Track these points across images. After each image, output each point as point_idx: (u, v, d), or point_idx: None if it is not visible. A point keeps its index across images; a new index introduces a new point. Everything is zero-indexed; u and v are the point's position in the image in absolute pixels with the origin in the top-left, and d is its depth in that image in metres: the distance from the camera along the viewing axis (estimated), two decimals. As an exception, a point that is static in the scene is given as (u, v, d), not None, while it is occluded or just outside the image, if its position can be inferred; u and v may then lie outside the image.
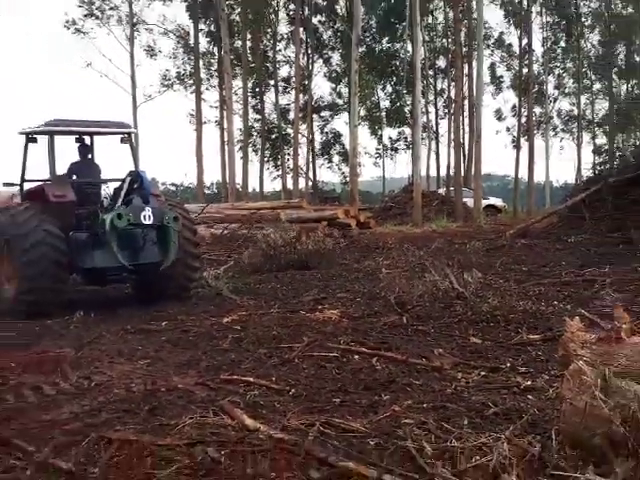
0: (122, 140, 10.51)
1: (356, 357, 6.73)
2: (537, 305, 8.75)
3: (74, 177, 10.45)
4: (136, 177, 9.61)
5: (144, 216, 9.06)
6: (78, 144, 10.94)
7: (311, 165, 40.84)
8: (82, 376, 6.24)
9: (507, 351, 6.78)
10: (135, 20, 32.00)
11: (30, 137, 10.19)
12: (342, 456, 4.13)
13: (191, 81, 33.37)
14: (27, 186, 10.66)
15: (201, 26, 34.05)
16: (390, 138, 46.42)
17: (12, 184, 10.43)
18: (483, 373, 6.00)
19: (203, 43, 34.84)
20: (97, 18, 31.62)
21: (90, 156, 11.05)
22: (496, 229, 23.31)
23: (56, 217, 9.11)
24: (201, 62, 34.26)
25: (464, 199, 31.14)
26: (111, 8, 32.00)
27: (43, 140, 10.14)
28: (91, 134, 11.08)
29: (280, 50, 39.12)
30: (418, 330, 7.80)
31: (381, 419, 4.86)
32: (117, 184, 10.24)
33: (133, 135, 10.74)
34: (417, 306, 8.80)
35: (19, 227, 8.94)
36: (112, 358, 6.98)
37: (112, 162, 11.79)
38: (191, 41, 32.97)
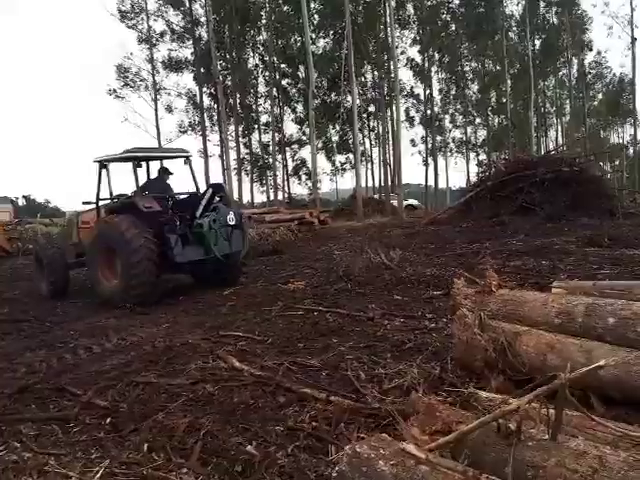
0: (185, 162, 9.48)
1: (315, 314, 6.57)
2: (440, 271, 8.66)
3: (146, 192, 9.07)
4: (219, 188, 9.07)
5: (229, 218, 8.54)
6: (159, 167, 9.91)
7: (286, 183, 40.55)
8: (120, 338, 6.02)
9: (419, 304, 6.68)
10: (158, 87, 31.60)
11: (103, 164, 9.04)
12: (302, 385, 3.99)
13: (199, 128, 32.82)
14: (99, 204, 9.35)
15: (205, 89, 33.54)
16: (340, 162, 46.26)
17: (90, 202, 9.30)
18: (402, 320, 5.90)
19: (206, 101, 34.40)
20: (131, 87, 31.13)
21: (162, 175, 9.78)
22: (413, 221, 23.25)
23: (147, 224, 8.16)
24: (206, 114, 33.77)
25: (391, 201, 31.11)
26: (141, 80, 31.55)
27: (113, 166, 9.21)
28: (161, 158, 10.27)
29: (260, 104, 38.49)
30: (358, 293, 7.66)
31: (331, 357, 4.73)
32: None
33: (191, 158, 9.76)
34: (358, 276, 8.63)
35: (122, 234, 7.94)
36: (143, 324, 6.75)
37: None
38: (198, 100, 32.49)
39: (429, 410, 2.76)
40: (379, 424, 3.16)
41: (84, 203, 9.50)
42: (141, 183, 9.01)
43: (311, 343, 5.27)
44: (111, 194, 9.26)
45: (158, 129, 30.30)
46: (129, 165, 8.79)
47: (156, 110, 30.94)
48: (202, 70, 32.02)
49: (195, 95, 32.98)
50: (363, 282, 8.29)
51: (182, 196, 9.51)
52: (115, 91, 31.17)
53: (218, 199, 8.83)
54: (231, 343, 5.43)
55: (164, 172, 9.88)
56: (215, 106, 35.51)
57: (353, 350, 4.86)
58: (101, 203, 9.29)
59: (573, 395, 2.21)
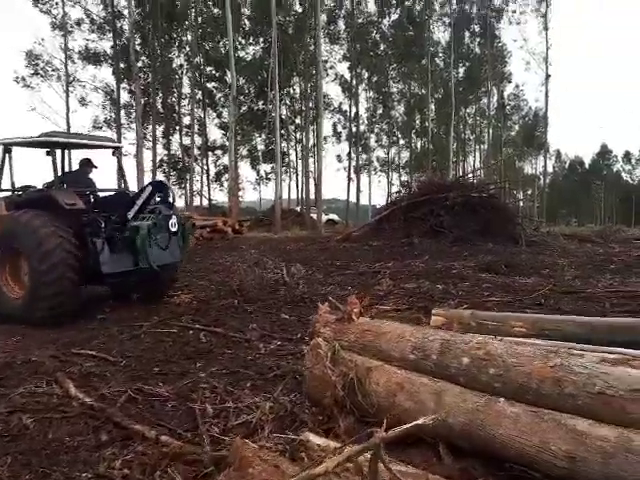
0: (113, 154, 8.17)
1: (190, 332, 6.10)
2: (336, 289, 8.43)
3: (64, 186, 7.63)
4: (160, 187, 7.52)
5: (171, 224, 7.25)
6: (81, 158, 8.34)
7: (207, 188, 39.56)
8: (-42, 352, 5.25)
9: (304, 325, 6.31)
10: (71, 78, 29.88)
11: (8, 148, 7.47)
12: (135, 420, 3.52)
13: (115, 125, 31.35)
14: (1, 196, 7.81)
15: (124, 85, 32.18)
16: (265, 171, 45.72)
17: None
18: (279, 343, 5.54)
19: (126, 98, 32.93)
20: (42, 76, 29.21)
21: (84, 168, 8.24)
22: (330, 236, 23.14)
23: (67, 224, 6.67)
24: (123, 111, 32.34)
25: (312, 214, 30.97)
26: (53, 70, 29.72)
27: (19, 152, 7.70)
28: (85, 147, 8.59)
29: (184, 105, 37.38)
30: (245, 310, 7.25)
31: (185, 385, 4.27)
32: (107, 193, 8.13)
33: (122, 149, 8.38)
34: (250, 291, 8.21)
35: (33, 233, 6.44)
36: (-8, 336, 5.97)
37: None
38: (115, 95, 31.05)
39: (242, 464, 2.39)
40: (199, 474, 2.75)
41: None
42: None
43: (170, 367, 4.79)
44: (13, 185, 7.79)
45: (68, 122, 28.64)
46: (39, 153, 7.43)
47: (67, 102, 29.26)
48: (121, 65, 30.66)
49: (113, 90, 31.45)
50: (254, 298, 7.89)
51: (106, 193, 8.20)
52: (24, 79, 29.23)
53: (158, 199, 7.44)
54: (80, 364, 4.85)
55: (86, 164, 8.30)
56: (133, 103, 34.14)
57: (213, 377, 4.43)
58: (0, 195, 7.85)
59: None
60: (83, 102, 31.08)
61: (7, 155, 7.49)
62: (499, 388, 2.86)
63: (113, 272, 6.96)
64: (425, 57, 43.97)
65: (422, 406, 2.92)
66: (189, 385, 4.25)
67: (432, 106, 50.19)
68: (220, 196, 44.62)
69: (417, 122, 52.10)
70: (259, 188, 47.93)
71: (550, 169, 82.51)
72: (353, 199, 45.74)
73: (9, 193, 7.78)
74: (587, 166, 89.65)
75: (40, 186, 7.85)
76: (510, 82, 55.08)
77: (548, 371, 2.76)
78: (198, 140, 36.97)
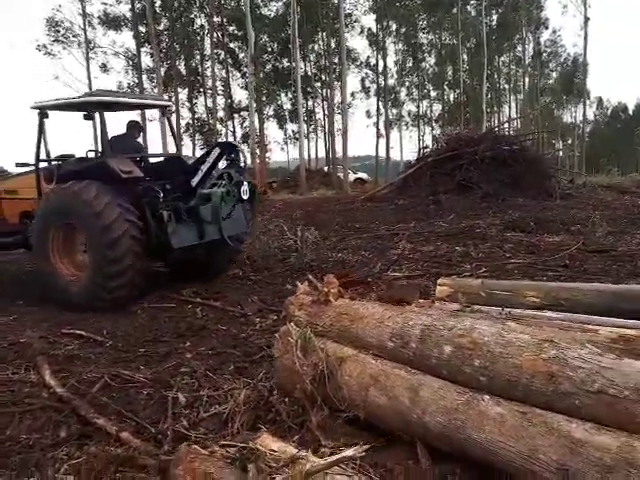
0: (162, 114, 7.32)
1: (189, 306, 5.87)
2: (348, 255, 8.06)
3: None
4: (230, 150, 6.38)
5: (243, 191, 6.27)
6: (128, 121, 7.37)
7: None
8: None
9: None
10: (92, 45, 29.61)
11: (44, 112, 6.61)
12: (100, 412, 3.28)
13: (138, 90, 31.05)
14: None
15: (145, 49, 31.66)
16: (292, 130, 44.90)
17: (26, 164, 6.95)
18: (275, 317, 5.22)
19: (148, 62, 32.44)
20: (62, 42, 28.99)
21: (131, 131, 7.37)
22: (357, 195, 22.58)
23: (123, 194, 5.88)
24: (146, 76, 31.94)
25: (339, 174, 30.35)
26: (74, 36, 29.42)
27: (55, 116, 6.82)
28: (134, 107, 7.75)
29: (207, 67, 36.60)
30: (250, 280, 6.98)
31: (166, 368, 4.03)
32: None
33: (171, 109, 7.39)
34: (258, 260, 7.92)
35: (88, 206, 5.63)
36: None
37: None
38: (136, 60, 30.65)
39: (184, 475, 2.11)
40: (144, 483, 2.49)
41: (18, 165, 7.13)
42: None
43: (157, 347, 4.56)
44: (48, 155, 7.05)
45: (91, 89, 28.41)
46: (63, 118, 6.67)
47: (88, 69, 29.04)
48: (141, 29, 30.12)
49: (135, 55, 31.04)
50: (261, 267, 7.62)
51: (157, 159, 7.27)
52: (45, 47, 29.05)
53: (227, 163, 6.41)
54: (66, 345, 4.66)
55: (134, 127, 7.46)
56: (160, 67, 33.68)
57: (197, 359, 4.18)
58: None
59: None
60: (104, 68, 30.85)
61: (45, 120, 6.67)
62: (484, 382, 2.48)
63: (182, 246, 6.20)
64: (455, 5, 41.87)
65: (396, 402, 2.56)
66: (170, 369, 4.00)
67: (464, 56, 48.19)
68: (248, 158, 44.37)
69: (449, 73, 50.16)
70: (286, 148, 47.25)
71: (591, 117, 78.88)
72: (384, 155, 44.83)
73: (45, 164, 6.95)
74: (631, 112, 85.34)
75: (79, 154, 7.13)
76: (547, 28, 52.20)
77: (541, 364, 2.35)
78: (223, 102, 36.45)
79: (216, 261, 7.09)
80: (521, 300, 4.55)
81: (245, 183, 6.38)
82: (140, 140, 7.51)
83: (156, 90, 28.19)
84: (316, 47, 41.15)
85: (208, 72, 36.98)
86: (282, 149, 47.53)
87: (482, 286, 4.77)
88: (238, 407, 3.17)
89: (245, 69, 39.94)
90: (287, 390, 3.01)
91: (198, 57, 36.00)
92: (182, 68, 34.81)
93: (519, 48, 52.33)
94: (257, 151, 25.44)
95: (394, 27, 46.41)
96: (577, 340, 3.49)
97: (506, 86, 57.23)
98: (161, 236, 5.98)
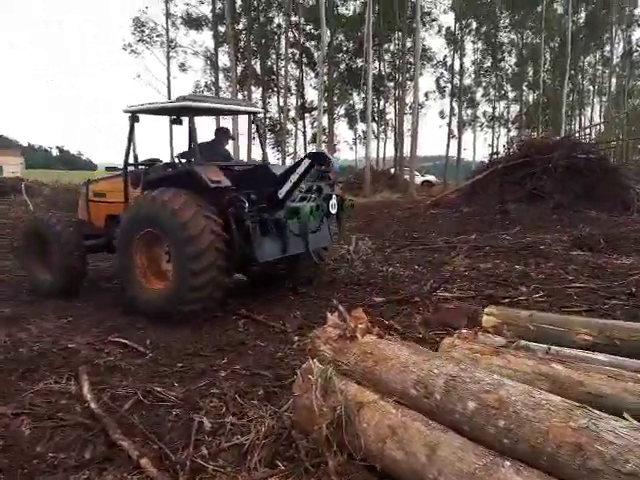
0: (252, 121, 7.17)
1: (233, 318, 5.90)
2: (399, 270, 7.87)
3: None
4: (321, 159, 6.03)
5: (332, 205, 6.11)
6: (217, 127, 7.42)
7: (303, 150, 39.52)
8: (7, 333, 5.40)
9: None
10: (173, 44, 30.70)
11: (135, 116, 6.52)
12: (127, 433, 3.33)
13: (214, 90, 31.88)
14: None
15: (223, 48, 32.39)
16: (362, 131, 44.69)
17: (115, 168, 6.97)
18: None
19: (225, 61, 33.19)
20: (146, 42, 30.27)
21: (220, 138, 7.28)
22: (422, 200, 22.15)
23: (210, 204, 5.70)
24: (222, 75, 32.74)
25: (405, 176, 29.90)
26: (157, 36, 30.63)
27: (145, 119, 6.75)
28: (226, 113, 7.68)
29: (282, 66, 37.05)
30: (297, 293, 6.91)
31: (198, 388, 4.04)
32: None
33: (260, 116, 7.31)
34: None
35: (174, 215, 5.49)
36: (46, 315, 6.08)
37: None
38: (214, 60, 31.50)
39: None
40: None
41: (108, 169, 7.17)
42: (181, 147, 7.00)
43: (194, 362, 4.59)
44: (136, 159, 6.97)
45: (169, 88, 29.52)
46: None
47: (168, 68, 30.10)
48: (221, 29, 30.88)
49: (213, 54, 31.89)
50: (309, 278, 7.54)
51: (243, 167, 6.94)
52: (131, 45, 30.40)
53: (317, 175, 6.12)
54: (111, 353, 4.80)
55: (224, 134, 7.28)
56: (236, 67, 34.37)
57: (230, 378, 4.18)
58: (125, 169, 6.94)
59: None
60: (183, 67, 31.91)
61: (136, 124, 6.55)
62: (507, 446, 2.30)
63: (267, 260, 6.06)
64: (540, 3, 40.18)
65: (413, 459, 2.43)
66: (202, 388, 4.01)
67: (547, 56, 46.23)
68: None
69: (529, 74, 48.28)
70: (355, 148, 47.08)
71: (684, 120, 73.75)
72: (455, 157, 43.82)
73: (132, 168, 6.90)
74: None
75: (165, 159, 7.20)
76: (639, 25, 49.14)
77: (569, 433, 2.15)
78: (295, 101, 36.78)
79: (295, 274, 7.01)
80: (572, 337, 4.26)
81: (334, 197, 6.19)
82: (229, 147, 7.43)
83: (231, 89, 28.81)
84: (391, 47, 40.72)
85: (282, 71, 37.52)
86: (351, 149, 47.56)
87: (531, 319, 4.50)
88: (259, 439, 3.13)
89: (317, 69, 40.34)
90: (305, 430, 2.93)
91: (274, 56, 36.55)
92: (257, 67, 35.41)
93: (607, 47, 49.59)
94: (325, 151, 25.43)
95: (474, 25, 45.26)
96: (628, 391, 3.25)
97: (590, 88, 54.47)
98: (246, 248, 5.81)
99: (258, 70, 35.85)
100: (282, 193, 5.97)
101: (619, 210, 14.81)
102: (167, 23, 30.59)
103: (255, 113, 7.27)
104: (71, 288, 6.85)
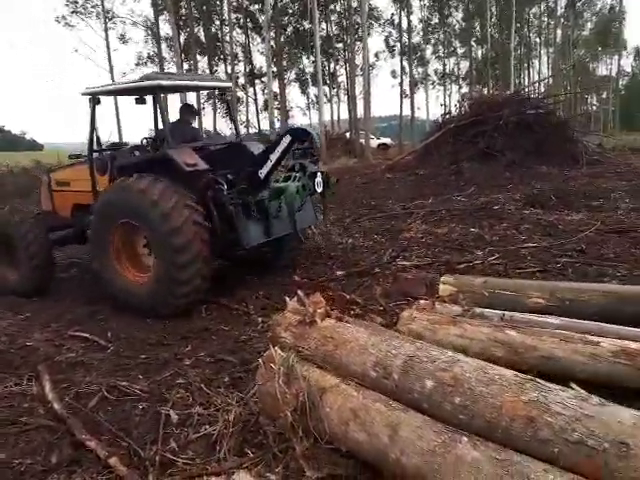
0: (220, 96, 6.90)
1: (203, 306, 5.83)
2: (358, 240, 7.95)
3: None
4: (303, 136, 5.65)
5: (317, 182, 5.74)
6: (182, 105, 6.96)
7: (257, 118, 38.93)
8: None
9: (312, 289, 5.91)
10: (111, 15, 29.34)
11: (96, 98, 6.10)
12: (94, 432, 3.33)
13: (158, 60, 30.86)
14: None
15: (164, 17, 31.18)
16: (315, 95, 44.18)
17: (79, 156, 6.63)
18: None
19: (167, 30, 32.02)
20: (81, 14, 28.84)
21: (186, 116, 6.81)
22: (379, 164, 22.22)
23: (189, 190, 5.44)
24: (165, 45, 31.68)
25: (361, 140, 29.85)
26: (92, 6, 29.19)
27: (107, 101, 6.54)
28: (195, 89, 7.30)
29: (226, 33, 36.00)
30: (261, 271, 6.86)
31: (163, 378, 4.06)
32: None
33: (230, 91, 6.76)
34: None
35: (154, 205, 5.21)
36: (3, 312, 5.93)
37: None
38: (155, 29, 30.36)
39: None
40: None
41: (72, 157, 6.77)
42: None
43: (158, 352, 4.59)
44: (99, 142, 6.52)
45: (110, 62, 28.39)
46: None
47: (107, 40, 28.87)
48: (159, -4, 29.70)
49: (154, 24, 30.71)
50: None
51: (216, 146, 6.55)
52: (65, 18, 28.95)
53: (300, 152, 5.85)
54: (72, 348, 4.75)
55: (188, 111, 6.89)
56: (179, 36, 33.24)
57: (194, 367, 4.20)
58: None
59: None
60: (123, 39, 30.69)
61: (95, 107, 6.17)
62: (464, 421, 2.41)
63: (253, 244, 5.84)
64: (483, -46, 40.09)
65: (376, 440, 2.51)
66: (167, 379, 4.03)
67: (492, 9, 46.33)
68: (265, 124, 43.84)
69: (477, 29, 48.42)
70: (309, 113, 46.59)
71: (628, 69, 75.58)
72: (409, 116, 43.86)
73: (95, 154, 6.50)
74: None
75: (131, 143, 6.81)
76: (582, -26, 49.70)
77: (521, 407, 2.27)
78: (243, 68, 35.97)
79: (280, 256, 6.82)
80: (525, 301, 4.45)
81: (319, 174, 5.82)
82: (195, 125, 7.05)
83: (175, 60, 27.93)
84: (337, 7, 40.06)
85: (228, 38, 36.53)
86: (304, 114, 46.98)
87: (485, 285, 4.66)
88: (227, 428, 3.19)
89: (263, 33, 39.44)
90: (271, 417, 2.99)
91: (217, 23, 35.48)
92: (201, 35, 34.35)
93: (551, -1, 50.03)
94: (277, 117, 25.16)
95: (419, -18, 44.89)
96: (578, 352, 3.42)
97: (537, 40, 55.08)
98: (230, 234, 5.63)
99: (202, 38, 34.80)
100: (263, 173, 5.69)
101: (569, 164, 15.21)
102: (102, -8, 29.19)
103: (225, 88, 6.95)
104: (40, 287, 6.61)
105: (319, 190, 5.78)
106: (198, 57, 33.26)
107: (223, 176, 5.73)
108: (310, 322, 3.11)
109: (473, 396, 2.40)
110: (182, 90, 6.98)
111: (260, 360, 3.07)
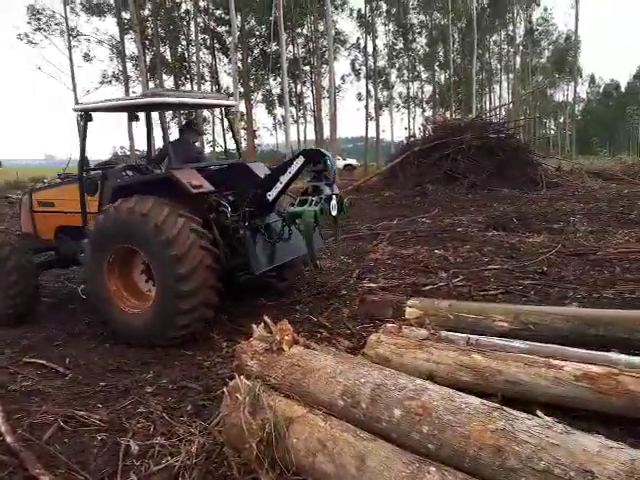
0: (226, 114, 6.58)
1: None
2: (325, 261, 7.92)
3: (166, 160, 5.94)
4: (316, 158, 5.22)
5: (332, 206, 5.24)
6: (184, 122, 6.66)
7: (223, 137, 38.81)
8: None
9: (280, 312, 5.84)
10: (75, 32, 28.96)
11: (88, 115, 5.78)
12: (48, 467, 3.17)
13: (123, 79, 30.53)
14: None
15: (130, 36, 31.01)
16: (282, 116, 44.41)
17: (68, 175, 6.35)
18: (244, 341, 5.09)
19: (132, 48, 31.81)
20: (44, 31, 28.39)
21: (188, 135, 6.59)
22: (346, 184, 22.30)
23: (194, 213, 5.13)
24: (131, 64, 31.39)
25: (327, 160, 30.02)
26: (56, 24, 28.80)
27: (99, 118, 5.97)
28: (198, 106, 7.07)
29: (193, 53, 36.00)
30: (234, 296, 6.76)
31: (123, 407, 3.91)
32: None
33: (234, 109, 6.37)
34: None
35: (156, 229, 4.87)
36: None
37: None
38: (121, 48, 30.08)
39: None
40: None
41: (61, 176, 6.44)
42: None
43: (118, 379, 4.43)
44: (82, 166, 6.03)
45: (73, 79, 27.90)
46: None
47: (71, 58, 28.44)
48: (125, 15, 29.52)
49: (120, 42, 30.43)
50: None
51: (218, 167, 6.20)
52: (27, 35, 28.46)
53: (314, 174, 5.30)
54: (27, 376, 4.55)
55: (191, 129, 6.65)
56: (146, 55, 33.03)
57: (156, 395, 4.07)
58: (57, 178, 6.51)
59: None
60: (87, 57, 30.30)
61: (87, 124, 5.82)
62: (433, 451, 2.39)
63: (264, 270, 5.52)
64: (445, -16, 41.34)
65: (343, 471, 2.46)
66: (128, 408, 3.88)
67: (455, 36, 47.67)
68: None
69: (440, 54, 49.67)
70: (275, 134, 46.88)
71: (583, 95, 78.70)
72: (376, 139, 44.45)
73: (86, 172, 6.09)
74: (623, 90, 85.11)
75: (127, 161, 6.56)
76: (538, 5, 51.65)
77: (488, 436, 2.25)
78: (210, 88, 35.92)
79: (284, 279, 6.55)
80: (489, 324, 4.48)
81: (334, 197, 5.33)
82: (198, 144, 6.76)
83: (141, 79, 27.69)
84: (304, 30, 40.58)
85: (194, 58, 36.50)
86: (271, 134, 47.27)
87: (450, 309, 4.69)
88: (190, 459, 3.08)
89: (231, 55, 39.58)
90: (236, 448, 2.90)
91: (184, 43, 35.46)
92: (168, 55, 34.26)
93: (510, 27, 51.79)
94: (244, 137, 25.13)
95: (384, 7, 45.89)
96: (542, 376, 3.45)
97: (498, 66, 56.77)
98: (234, 259, 5.37)
99: (169, 57, 34.68)
100: (272, 196, 5.36)
101: (529, 186, 15.63)
102: (65, 10, 28.82)
103: (228, 106, 6.69)
104: (24, 315, 6.13)
105: (334, 214, 5.32)
106: (164, 76, 33.11)
107: (225, 197, 5.48)
108: (277, 350, 3.06)
109: (441, 425, 2.38)
110: (187, 108, 6.81)
111: (225, 390, 2.99)
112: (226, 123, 28.10)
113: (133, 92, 27.26)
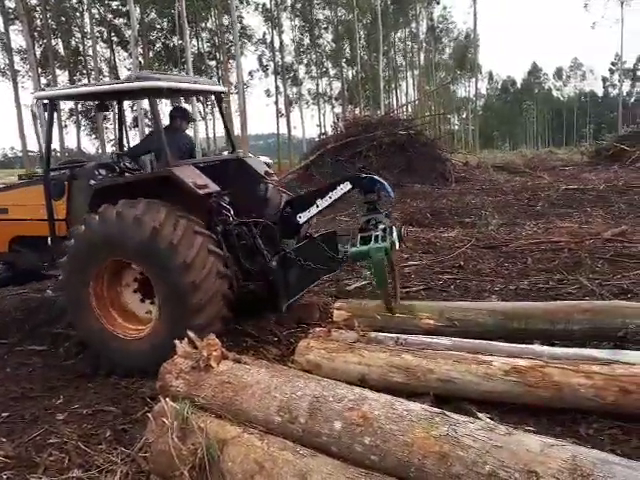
0: (217, 101, 5.84)
1: (65, 345, 5.31)
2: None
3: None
4: (368, 187, 4.61)
5: (395, 238, 4.54)
6: (172, 109, 5.98)
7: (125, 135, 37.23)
8: None
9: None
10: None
11: (54, 104, 5.11)
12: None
13: (10, 74, 28.47)
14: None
15: (16, 27, 28.96)
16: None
17: (32, 175, 5.62)
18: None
19: (20, 41, 29.73)
20: None
21: (178, 123, 5.80)
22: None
23: (196, 216, 4.42)
24: (17, 57, 29.32)
25: (238, 159, 29.64)
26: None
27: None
28: (192, 92, 6.36)
29: (89, 46, 34.23)
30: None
31: (33, 438, 3.58)
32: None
33: (224, 96, 5.74)
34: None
35: (157, 237, 4.13)
36: None
37: None
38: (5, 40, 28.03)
39: None
40: None
41: (24, 178, 5.74)
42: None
43: (24, 407, 4.03)
44: (48, 163, 5.27)
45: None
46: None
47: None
48: (9, 4, 27.55)
49: (4, 34, 28.35)
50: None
51: (210, 162, 5.51)
52: None
53: (368, 205, 4.70)
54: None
55: (182, 118, 5.88)
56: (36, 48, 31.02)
57: (69, 422, 3.76)
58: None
59: None
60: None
61: (54, 114, 5.17)
62: (377, 462, 2.35)
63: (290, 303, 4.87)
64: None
65: (285, 493, 2.37)
66: (37, 439, 3.56)
67: (361, 32, 48.65)
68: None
69: (347, 50, 50.51)
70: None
71: (484, 91, 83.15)
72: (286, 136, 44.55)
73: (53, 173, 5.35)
74: (519, 86, 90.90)
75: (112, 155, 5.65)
76: (438, 3, 53.94)
77: (432, 443, 2.24)
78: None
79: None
80: (417, 322, 4.55)
81: (394, 228, 4.69)
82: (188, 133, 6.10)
83: (31, 73, 25.95)
84: (209, 24, 39.83)
85: (91, 51, 34.74)
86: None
87: (377, 309, 4.71)
88: (112, 492, 2.87)
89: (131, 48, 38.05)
90: (165, 476, 2.73)
91: (78, 35, 33.64)
92: (60, 48, 32.37)
93: (414, 24, 53.65)
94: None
95: (289, 2, 46.02)
96: (472, 373, 3.53)
97: (403, 62, 58.66)
98: (265, 295, 4.94)
99: (62, 51, 32.78)
100: (303, 218, 4.80)
101: (439, 182, 16.23)
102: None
103: (221, 92, 5.99)
104: None
105: (397, 247, 4.69)
106: (58, 71, 31.27)
107: (223, 199, 4.86)
108: (205, 367, 2.90)
109: (383, 435, 2.35)
110: (181, 94, 6.24)
111: (150, 415, 2.80)
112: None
113: (43, 87, 25.51)
